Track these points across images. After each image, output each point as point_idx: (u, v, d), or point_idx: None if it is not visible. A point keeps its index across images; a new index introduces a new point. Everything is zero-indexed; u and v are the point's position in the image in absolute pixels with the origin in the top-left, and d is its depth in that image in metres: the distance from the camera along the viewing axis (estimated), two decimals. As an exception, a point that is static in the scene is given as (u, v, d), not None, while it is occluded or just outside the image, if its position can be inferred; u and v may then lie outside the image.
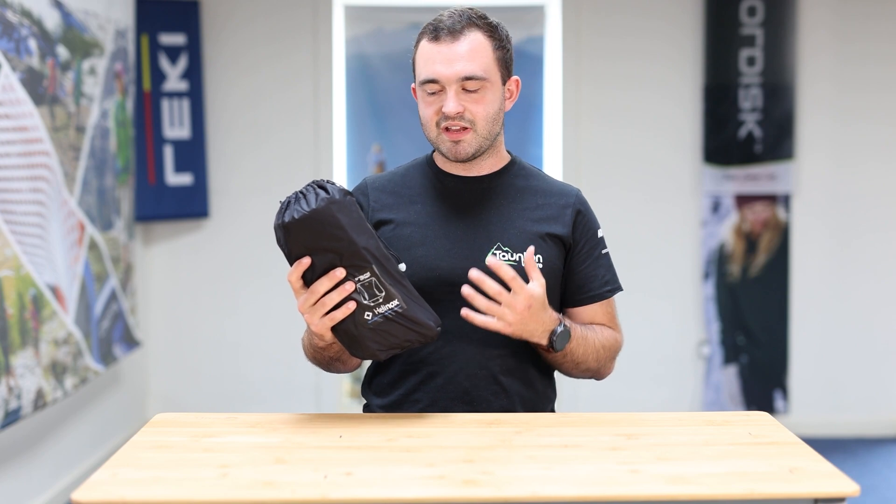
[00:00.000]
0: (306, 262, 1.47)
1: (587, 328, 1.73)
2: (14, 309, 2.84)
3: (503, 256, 1.68)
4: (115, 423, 4.08)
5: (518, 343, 1.67)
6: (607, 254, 1.80)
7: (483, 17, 1.68)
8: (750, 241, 4.50)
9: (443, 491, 1.23)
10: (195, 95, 4.39)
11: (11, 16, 2.85)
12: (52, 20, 3.14)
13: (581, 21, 4.48)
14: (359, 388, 1.83)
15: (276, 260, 1.52)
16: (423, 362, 1.70)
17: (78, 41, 3.37)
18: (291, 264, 1.49)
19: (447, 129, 1.66)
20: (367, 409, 1.81)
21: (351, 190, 1.78)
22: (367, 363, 1.80)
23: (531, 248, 1.60)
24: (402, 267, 1.62)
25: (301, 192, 1.48)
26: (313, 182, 1.49)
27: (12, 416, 2.83)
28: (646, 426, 1.53)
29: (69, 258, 3.28)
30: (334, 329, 1.53)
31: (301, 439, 1.45)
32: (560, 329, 1.63)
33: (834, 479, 1.27)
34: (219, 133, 4.50)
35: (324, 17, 4.47)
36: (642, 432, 1.49)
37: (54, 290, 3.13)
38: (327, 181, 1.50)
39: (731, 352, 4.52)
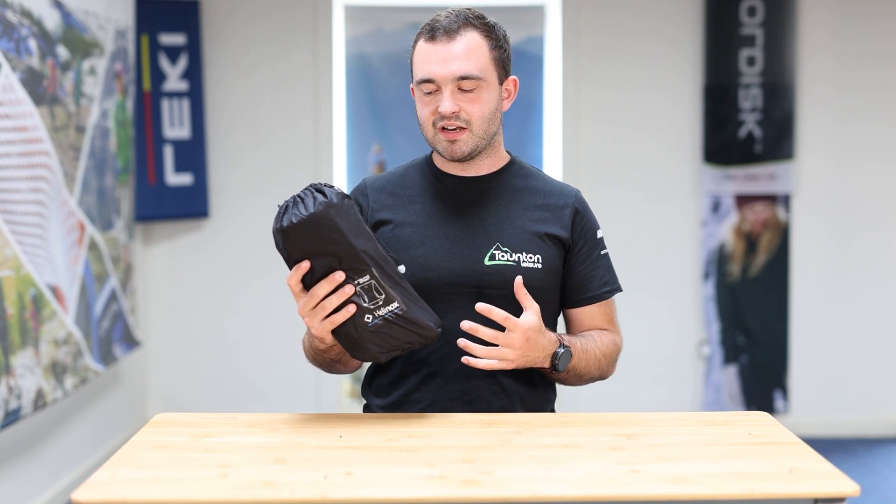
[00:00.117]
0: (305, 265, 1.47)
1: (587, 339, 1.73)
2: (14, 309, 2.84)
3: (502, 257, 1.68)
4: (115, 423, 4.08)
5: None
6: (606, 254, 1.80)
7: (480, 17, 1.69)
8: (750, 241, 4.50)
9: (443, 491, 1.23)
10: (195, 95, 4.39)
11: (11, 16, 2.85)
12: (52, 20, 3.14)
13: (581, 21, 4.48)
14: (359, 388, 1.83)
15: (275, 260, 1.53)
16: (423, 362, 1.70)
17: (78, 41, 3.37)
18: (291, 268, 1.49)
19: (443, 128, 1.66)
20: (367, 409, 1.81)
21: (350, 190, 1.79)
22: (368, 363, 1.80)
23: (519, 278, 1.60)
24: (402, 269, 1.62)
25: (299, 195, 1.48)
26: (311, 186, 1.49)
27: (12, 416, 2.83)
28: (646, 426, 1.53)
29: (69, 258, 3.28)
30: (334, 332, 1.53)
31: (301, 439, 1.45)
32: (561, 351, 1.64)
33: (834, 479, 1.27)
34: (219, 133, 4.50)
35: (324, 17, 4.47)
36: (642, 432, 1.49)
37: (54, 290, 3.13)
38: (325, 184, 1.49)
39: (731, 352, 4.52)
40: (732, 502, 1.24)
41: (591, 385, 1.83)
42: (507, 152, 1.80)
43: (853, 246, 4.52)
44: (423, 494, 1.22)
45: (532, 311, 1.59)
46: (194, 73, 4.37)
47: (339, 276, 1.48)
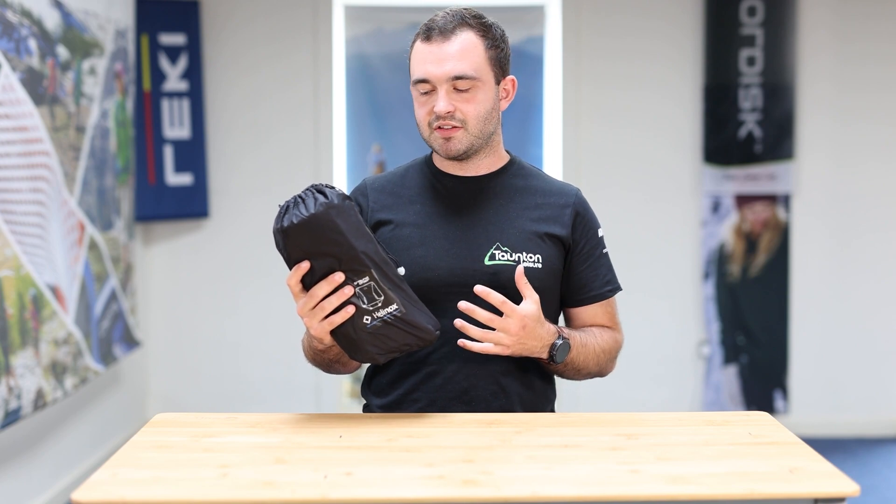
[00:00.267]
0: (305, 266, 1.47)
1: (586, 333, 1.74)
2: (14, 309, 2.84)
3: (502, 256, 1.68)
4: (115, 423, 4.08)
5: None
6: (607, 253, 1.80)
7: (476, 17, 1.69)
8: (750, 241, 4.50)
9: (443, 491, 1.23)
10: (195, 95, 4.39)
11: (11, 16, 2.85)
12: (52, 20, 3.14)
13: (581, 21, 4.48)
14: (359, 388, 1.84)
15: (275, 260, 1.53)
16: (422, 362, 1.70)
17: (78, 41, 3.37)
18: (291, 268, 1.49)
19: (439, 127, 1.66)
20: (366, 409, 1.81)
21: (350, 190, 1.79)
22: (367, 363, 1.80)
23: (520, 268, 1.61)
24: (401, 271, 1.62)
25: (300, 196, 1.48)
26: (312, 186, 1.49)
27: (12, 416, 2.82)
28: (646, 426, 1.53)
29: (69, 258, 3.28)
30: (333, 333, 1.53)
31: (301, 439, 1.45)
32: (559, 342, 1.64)
33: (834, 479, 1.27)
34: (219, 133, 4.50)
35: (324, 17, 4.47)
36: (642, 432, 1.49)
37: (54, 290, 3.13)
38: (326, 185, 1.50)
39: (731, 352, 4.52)
40: (732, 502, 1.24)
41: (591, 385, 1.83)
42: (507, 152, 1.80)
43: (853, 246, 4.52)
44: (423, 494, 1.22)
45: (531, 300, 1.59)
46: (194, 73, 4.37)
47: (339, 277, 1.48)
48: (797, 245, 4.51)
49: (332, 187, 1.50)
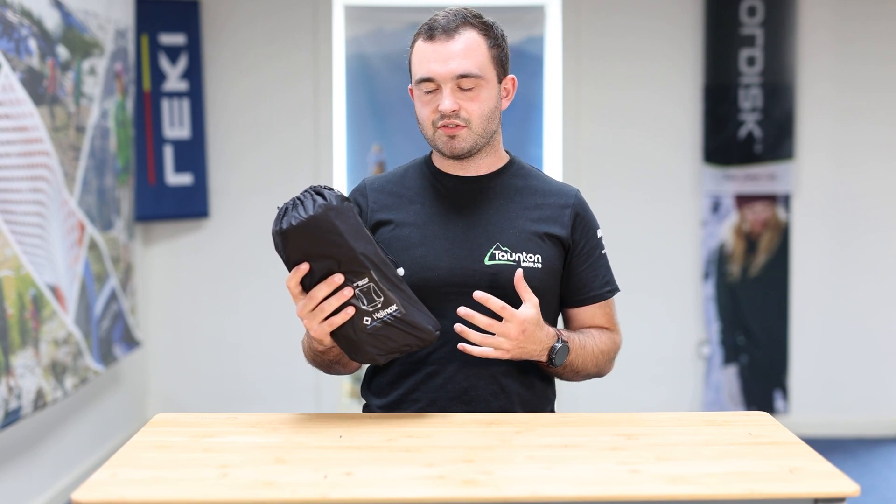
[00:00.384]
0: (304, 267, 1.48)
1: (585, 335, 1.74)
2: (14, 309, 2.84)
3: (502, 256, 1.68)
4: (115, 423, 4.08)
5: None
6: (605, 254, 1.80)
7: (478, 17, 1.69)
8: (750, 241, 4.50)
9: (443, 491, 1.23)
10: (195, 95, 4.39)
11: (11, 16, 2.85)
12: (52, 20, 3.14)
13: (581, 21, 4.48)
14: (359, 388, 1.84)
15: (275, 260, 1.53)
16: (422, 362, 1.70)
17: (78, 41, 3.37)
18: (290, 270, 1.49)
19: (444, 126, 1.66)
20: (366, 409, 1.81)
21: (350, 191, 1.79)
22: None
23: (520, 272, 1.61)
24: (401, 271, 1.62)
25: (299, 198, 1.48)
26: (311, 188, 1.50)
27: (12, 416, 2.83)
28: (646, 426, 1.53)
29: (69, 258, 3.28)
30: (333, 334, 1.53)
31: (301, 439, 1.45)
32: (559, 345, 1.65)
33: (834, 479, 1.27)
34: (219, 133, 4.50)
35: (324, 17, 4.47)
36: (642, 432, 1.49)
37: (54, 290, 3.13)
38: (325, 187, 1.50)
39: (731, 352, 4.52)
40: (732, 502, 1.24)
41: (590, 385, 1.84)
42: (507, 152, 1.80)
43: (853, 246, 4.52)
44: (423, 494, 1.22)
45: (531, 303, 1.59)
46: (194, 73, 4.37)
47: (338, 278, 1.48)
48: (797, 245, 4.51)
49: (331, 189, 1.50)
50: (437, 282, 1.67)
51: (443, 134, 1.67)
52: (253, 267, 4.50)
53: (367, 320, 1.51)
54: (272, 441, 1.44)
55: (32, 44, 3.00)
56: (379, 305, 1.51)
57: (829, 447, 4.16)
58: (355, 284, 1.49)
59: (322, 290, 1.48)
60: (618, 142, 4.52)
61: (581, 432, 1.49)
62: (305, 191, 1.49)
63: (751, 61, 4.43)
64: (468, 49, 1.65)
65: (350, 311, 1.50)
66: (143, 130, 4.28)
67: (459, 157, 1.70)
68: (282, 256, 1.50)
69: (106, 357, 3.63)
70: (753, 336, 4.51)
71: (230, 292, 4.57)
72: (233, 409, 4.37)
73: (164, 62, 4.33)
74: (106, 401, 3.99)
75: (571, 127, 4.50)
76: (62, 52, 3.23)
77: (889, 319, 4.55)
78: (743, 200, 4.49)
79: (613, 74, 4.50)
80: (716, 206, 4.49)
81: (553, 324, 1.77)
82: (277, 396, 4.52)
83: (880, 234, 4.53)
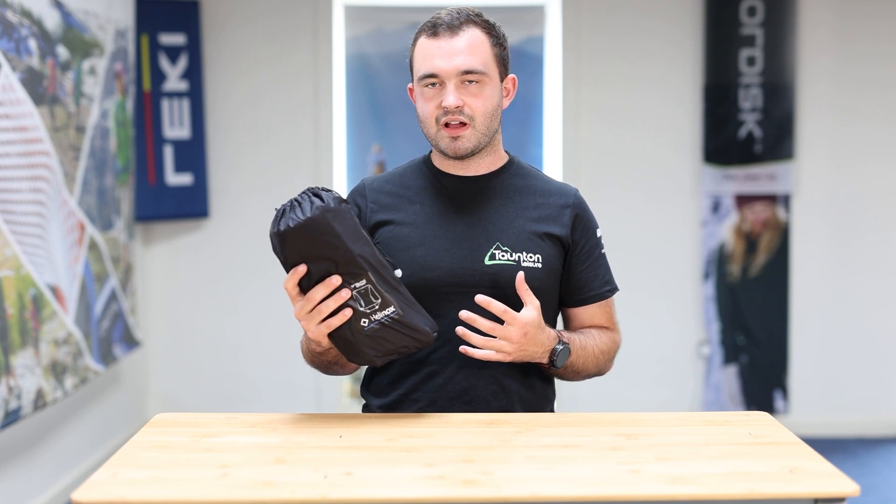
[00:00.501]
0: (302, 269, 1.48)
1: (585, 336, 1.74)
2: (14, 309, 2.84)
3: (502, 256, 1.68)
4: (115, 423, 4.08)
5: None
6: (605, 254, 1.80)
7: (480, 16, 1.71)
8: (750, 241, 4.50)
9: (443, 491, 1.23)
10: (195, 95, 4.39)
11: (11, 16, 2.85)
12: (52, 20, 3.14)
13: (581, 21, 4.48)
14: (358, 388, 1.83)
15: (275, 260, 1.53)
16: (422, 362, 1.70)
17: (78, 41, 3.37)
18: (288, 272, 1.49)
19: (447, 124, 1.66)
20: (366, 409, 1.81)
21: (349, 191, 1.79)
22: (367, 363, 1.80)
23: (521, 274, 1.61)
24: (398, 273, 1.62)
25: (296, 200, 1.48)
26: (308, 190, 1.50)
27: (12, 416, 2.83)
28: (646, 426, 1.53)
29: (69, 258, 3.28)
30: (331, 335, 1.53)
31: (301, 439, 1.45)
32: (560, 347, 1.65)
33: (834, 479, 1.27)
34: (219, 133, 4.50)
35: (324, 17, 4.47)
36: (642, 432, 1.49)
37: (54, 290, 3.13)
38: (322, 189, 1.50)
39: (731, 352, 4.52)
40: (732, 502, 1.24)
41: (590, 385, 1.84)
42: (506, 152, 1.80)
43: (853, 246, 4.52)
44: (423, 494, 1.22)
45: (532, 306, 1.59)
46: (194, 73, 4.37)
47: (336, 280, 1.48)
48: (797, 245, 4.51)
49: (329, 191, 1.50)
50: (437, 282, 1.67)
51: (446, 135, 1.67)
52: (253, 267, 4.50)
53: (364, 322, 1.51)
54: (272, 441, 1.44)
55: (32, 44, 3.00)
56: (376, 307, 1.51)
57: (829, 447, 4.16)
58: (353, 286, 1.49)
59: (320, 291, 1.48)
60: (618, 142, 4.52)
61: (581, 432, 1.49)
62: (303, 192, 1.49)
63: (751, 61, 4.43)
64: (472, 46, 1.65)
65: (347, 312, 1.50)
66: (143, 130, 4.28)
67: (461, 157, 1.70)
68: (279, 258, 1.50)
69: (106, 357, 3.63)
70: (753, 336, 4.51)
71: (230, 292, 4.57)
72: (233, 409, 4.37)
73: (164, 62, 4.33)
74: (106, 401, 3.99)
75: (571, 127, 4.50)
76: (62, 52, 3.23)
77: (889, 319, 4.55)
78: (743, 200, 4.49)
79: (613, 74, 4.50)
80: (716, 206, 4.49)
81: (552, 323, 1.78)
82: (277, 396, 4.52)
83: (880, 234, 4.53)
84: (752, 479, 1.27)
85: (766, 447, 1.42)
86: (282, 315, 4.28)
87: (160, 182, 4.35)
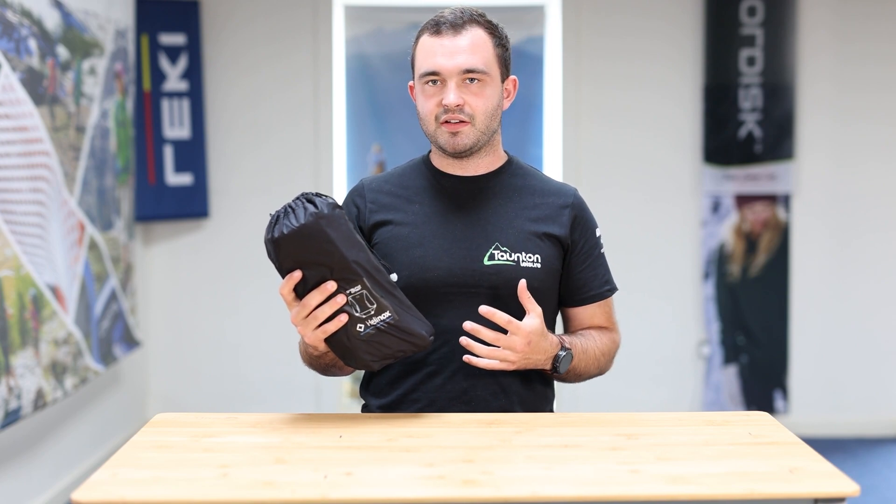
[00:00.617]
0: (297, 275, 1.48)
1: (586, 339, 1.74)
2: (14, 309, 2.84)
3: (502, 256, 1.68)
4: (115, 423, 4.08)
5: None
6: (604, 253, 1.80)
7: (483, 16, 1.71)
8: (750, 241, 4.50)
9: (443, 491, 1.23)
10: (195, 95, 4.38)
11: (11, 16, 2.85)
12: (52, 20, 3.14)
13: (581, 21, 4.48)
14: (358, 388, 1.83)
15: (275, 260, 1.53)
16: (422, 362, 1.70)
17: (78, 41, 3.37)
18: (283, 277, 1.49)
19: (446, 121, 1.66)
20: (365, 409, 1.81)
21: (348, 191, 1.79)
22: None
23: (523, 282, 1.60)
24: (394, 277, 1.62)
25: (290, 206, 1.48)
26: (302, 195, 1.50)
27: (12, 416, 2.83)
28: (646, 426, 1.53)
29: (69, 258, 3.28)
30: (328, 340, 1.53)
31: (301, 439, 1.45)
32: (563, 354, 1.65)
33: (834, 479, 1.27)
34: (219, 133, 4.50)
35: (324, 17, 4.47)
36: (642, 432, 1.49)
37: (54, 290, 3.13)
38: (315, 194, 1.50)
39: (731, 352, 4.52)
40: (732, 502, 1.24)
41: (590, 384, 1.84)
42: (505, 152, 1.80)
43: (853, 246, 4.52)
44: (423, 494, 1.22)
45: (535, 314, 1.59)
46: (194, 73, 4.37)
47: (331, 286, 1.48)
48: (797, 245, 4.51)
49: (323, 196, 1.50)
50: (436, 282, 1.67)
51: (445, 130, 1.67)
52: (253, 267, 4.49)
53: (360, 327, 1.52)
54: (272, 441, 1.44)
55: (32, 44, 3.00)
56: (372, 312, 1.51)
57: (829, 447, 4.16)
58: (348, 292, 1.49)
59: (315, 297, 1.48)
60: (618, 142, 4.52)
61: (581, 432, 1.49)
62: (297, 198, 1.49)
63: (751, 61, 4.43)
64: (475, 45, 1.66)
65: (343, 318, 1.50)
66: (143, 130, 4.28)
67: (461, 154, 1.70)
68: (275, 264, 1.50)
69: (106, 357, 3.63)
70: (753, 336, 4.51)
71: (230, 292, 4.57)
72: (233, 409, 4.37)
73: (164, 62, 4.33)
74: (106, 401, 3.99)
75: (571, 127, 4.50)
76: (62, 52, 3.23)
77: (889, 319, 4.55)
78: (743, 200, 4.49)
79: (613, 74, 4.50)
80: (716, 206, 4.49)
81: (552, 323, 1.78)
82: (277, 396, 4.52)
83: (880, 234, 4.53)
84: (752, 479, 1.27)
85: (766, 447, 1.42)
86: (282, 315, 4.26)
87: (160, 182, 4.35)
